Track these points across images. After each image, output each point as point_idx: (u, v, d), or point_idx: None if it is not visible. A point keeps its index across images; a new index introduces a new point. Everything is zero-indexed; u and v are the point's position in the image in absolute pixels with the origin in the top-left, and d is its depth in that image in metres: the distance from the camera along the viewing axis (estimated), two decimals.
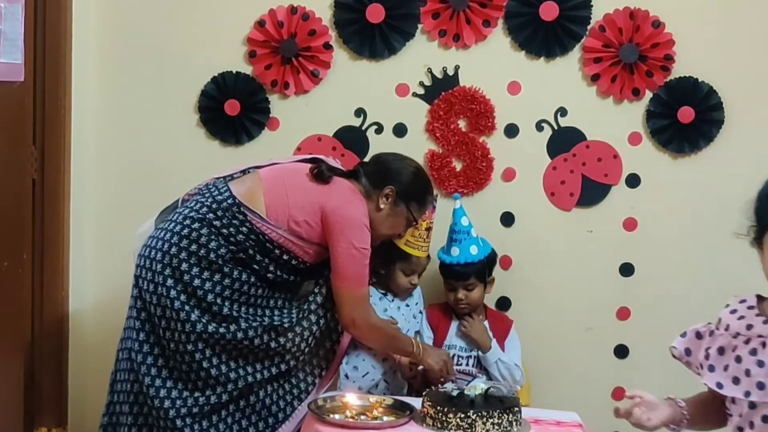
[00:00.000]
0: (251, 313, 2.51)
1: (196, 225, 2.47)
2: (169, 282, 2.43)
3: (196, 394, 2.44)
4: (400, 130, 3.12)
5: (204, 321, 2.43)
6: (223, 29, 3.14)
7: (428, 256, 2.88)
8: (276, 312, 2.56)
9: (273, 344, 2.50)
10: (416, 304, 2.94)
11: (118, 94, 3.21)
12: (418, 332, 2.93)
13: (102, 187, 3.22)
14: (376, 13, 3.06)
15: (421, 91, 3.12)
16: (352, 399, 2.48)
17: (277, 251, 2.51)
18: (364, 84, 3.12)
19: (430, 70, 3.11)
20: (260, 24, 3.11)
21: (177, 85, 3.17)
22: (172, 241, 2.46)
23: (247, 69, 3.14)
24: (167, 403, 2.42)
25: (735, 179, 3.06)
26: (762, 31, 3.02)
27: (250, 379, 2.49)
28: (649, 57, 3.01)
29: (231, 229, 2.47)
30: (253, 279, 2.51)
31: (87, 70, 3.17)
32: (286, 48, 3.10)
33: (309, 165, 2.61)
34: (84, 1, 3.14)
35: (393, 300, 2.90)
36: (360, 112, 3.11)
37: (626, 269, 3.10)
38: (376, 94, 3.11)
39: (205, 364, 2.44)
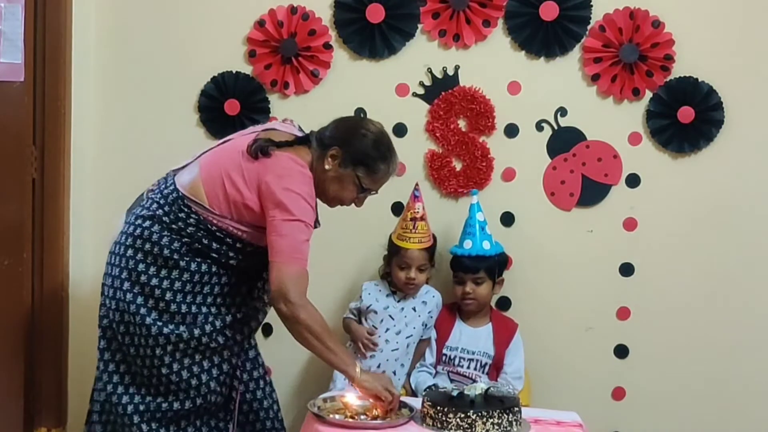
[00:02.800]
0: (215, 305, 2.42)
1: (147, 223, 2.40)
2: (126, 285, 2.38)
3: (159, 399, 2.40)
4: (400, 130, 3.12)
5: (161, 323, 2.36)
6: (223, 29, 3.14)
7: (427, 251, 2.86)
8: (244, 304, 2.48)
9: (236, 345, 2.46)
10: (428, 312, 2.92)
11: (118, 94, 3.21)
12: (423, 340, 2.93)
13: (102, 187, 3.22)
14: (376, 13, 3.06)
15: (421, 91, 3.12)
16: (352, 399, 2.47)
17: (228, 240, 2.38)
18: (364, 84, 3.12)
19: (430, 70, 3.11)
20: (260, 24, 3.11)
21: (177, 85, 3.17)
22: (127, 243, 2.40)
23: (247, 69, 3.14)
24: (130, 408, 2.38)
25: (735, 179, 3.07)
26: (762, 31, 3.02)
27: (212, 385, 2.42)
28: (649, 57, 3.01)
29: (180, 223, 2.37)
30: (215, 268, 2.40)
31: (87, 70, 3.17)
32: (286, 48, 3.10)
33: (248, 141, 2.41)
34: (84, 1, 3.14)
35: (399, 301, 2.89)
36: (360, 112, 3.11)
37: (626, 269, 3.10)
38: (376, 94, 3.11)
39: (164, 370, 2.38)
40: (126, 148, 3.21)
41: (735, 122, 3.03)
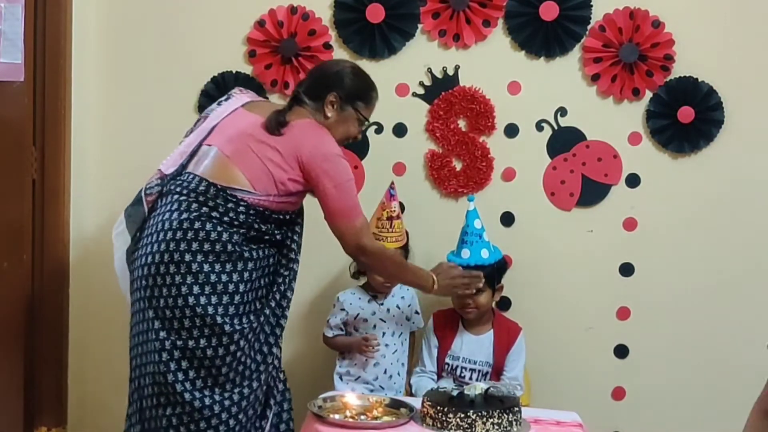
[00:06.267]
0: (267, 286, 2.50)
1: (197, 224, 2.37)
2: (196, 289, 2.34)
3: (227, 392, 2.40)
4: (400, 130, 3.12)
5: (230, 314, 2.36)
6: (223, 29, 3.14)
7: (403, 249, 2.85)
8: (293, 279, 2.54)
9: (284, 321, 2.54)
10: (408, 306, 2.91)
11: (117, 94, 3.21)
12: (414, 333, 2.93)
13: (102, 187, 3.21)
14: (376, 13, 3.06)
15: (421, 91, 3.12)
16: (352, 399, 2.48)
17: (274, 216, 2.47)
18: None
19: (430, 70, 3.11)
20: (260, 24, 3.11)
21: (177, 84, 3.17)
22: (181, 249, 2.36)
23: (247, 69, 3.15)
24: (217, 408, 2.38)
25: (735, 179, 3.07)
26: (762, 31, 3.02)
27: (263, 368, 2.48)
28: (649, 57, 3.01)
29: (231, 214, 2.40)
30: (268, 251, 2.49)
31: (87, 70, 3.17)
32: (286, 48, 3.10)
33: (256, 119, 2.50)
34: (84, 1, 3.14)
35: (382, 303, 2.88)
36: None
37: (626, 269, 3.10)
38: None
39: (233, 362, 2.39)
40: (126, 147, 3.21)
41: (735, 122, 3.03)
